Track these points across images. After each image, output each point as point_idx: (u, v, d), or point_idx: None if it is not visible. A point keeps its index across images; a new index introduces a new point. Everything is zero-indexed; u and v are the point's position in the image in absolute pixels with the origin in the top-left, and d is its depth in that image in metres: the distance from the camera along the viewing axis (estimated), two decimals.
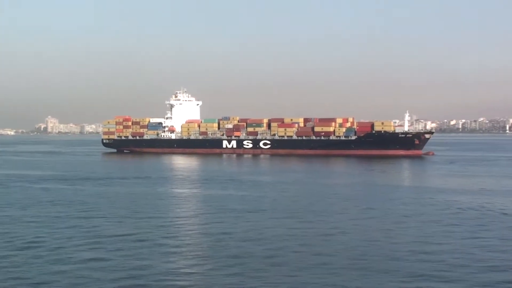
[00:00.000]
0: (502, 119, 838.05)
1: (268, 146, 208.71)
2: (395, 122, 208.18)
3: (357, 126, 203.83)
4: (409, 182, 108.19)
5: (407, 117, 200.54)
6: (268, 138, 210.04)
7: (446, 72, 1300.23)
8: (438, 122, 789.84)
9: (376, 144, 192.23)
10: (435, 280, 38.21)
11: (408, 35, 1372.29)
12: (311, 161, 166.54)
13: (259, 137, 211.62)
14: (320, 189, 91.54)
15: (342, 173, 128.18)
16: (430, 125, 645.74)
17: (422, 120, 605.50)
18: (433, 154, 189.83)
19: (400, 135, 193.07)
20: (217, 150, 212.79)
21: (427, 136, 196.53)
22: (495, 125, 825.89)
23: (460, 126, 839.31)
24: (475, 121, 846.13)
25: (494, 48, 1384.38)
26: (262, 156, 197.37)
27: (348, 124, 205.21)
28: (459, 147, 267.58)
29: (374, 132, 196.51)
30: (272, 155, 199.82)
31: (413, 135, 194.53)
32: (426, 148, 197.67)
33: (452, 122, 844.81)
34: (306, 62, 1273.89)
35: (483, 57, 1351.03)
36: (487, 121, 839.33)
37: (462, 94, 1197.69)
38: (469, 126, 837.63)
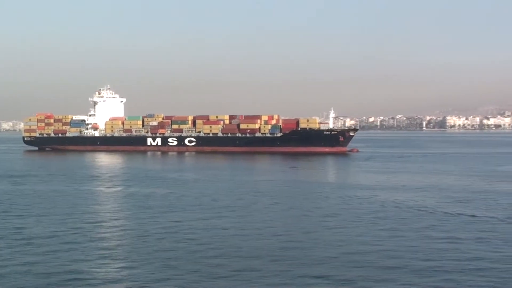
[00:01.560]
0: (419, 116, 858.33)
1: (194, 144, 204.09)
2: (317, 119, 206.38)
3: (282, 123, 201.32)
4: (331, 179, 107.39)
5: (331, 114, 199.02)
6: (193, 135, 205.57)
7: (365, 71, 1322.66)
8: (357, 119, 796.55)
9: (301, 141, 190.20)
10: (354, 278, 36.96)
11: (331, 33, 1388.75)
12: (237, 158, 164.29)
13: (184, 134, 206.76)
14: (242, 186, 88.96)
15: (266, 170, 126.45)
16: (349, 122, 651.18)
17: (341, 117, 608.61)
18: (357, 151, 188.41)
19: (325, 132, 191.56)
20: (142, 148, 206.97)
21: (351, 133, 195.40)
22: (412, 122, 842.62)
23: (379, 123, 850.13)
24: (393, 118, 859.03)
25: (414, 48, 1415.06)
26: (187, 153, 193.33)
27: (274, 121, 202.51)
28: (378, 144, 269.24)
29: (299, 129, 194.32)
30: (198, 152, 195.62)
31: (338, 132, 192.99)
32: (351, 145, 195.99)
33: (371, 119, 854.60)
34: (231, 59, 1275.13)
35: (404, 56, 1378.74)
36: (404, 118, 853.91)
37: (381, 91, 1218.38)
38: (387, 123, 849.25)
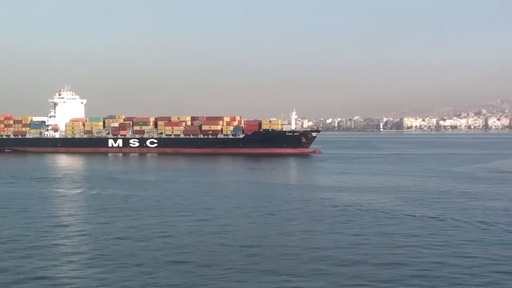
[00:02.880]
0: (376, 117, 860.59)
1: (155, 145, 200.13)
2: (280, 120, 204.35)
3: (244, 124, 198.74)
4: (291, 180, 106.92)
5: (294, 116, 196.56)
6: (155, 136, 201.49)
7: (324, 71, 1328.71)
8: (314, 121, 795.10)
9: (264, 143, 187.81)
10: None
11: (287, 36, 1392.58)
12: (198, 159, 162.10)
13: (145, 135, 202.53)
14: (202, 188, 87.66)
15: (227, 171, 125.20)
16: (307, 123, 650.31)
17: (299, 119, 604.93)
18: (319, 152, 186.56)
19: (287, 134, 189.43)
20: (103, 149, 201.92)
21: (314, 134, 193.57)
22: (370, 123, 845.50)
23: (336, 125, 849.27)
24: (350, 119, 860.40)
25: (371, 48, 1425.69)
26: (149, 155, 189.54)
27: (236, 123, 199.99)
28: (337, 145, 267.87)
29: (261, 130, 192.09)
30: (159, 154, 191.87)
31: (300, 133, 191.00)
32: (313, 146, 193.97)
33: (328, 121, 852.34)
34: (192, 60, 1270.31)
35: (362, 57, 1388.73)
36: (362, 120, 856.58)
37: (339, 93, 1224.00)
38: (344, 125, 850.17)
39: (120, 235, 49.91)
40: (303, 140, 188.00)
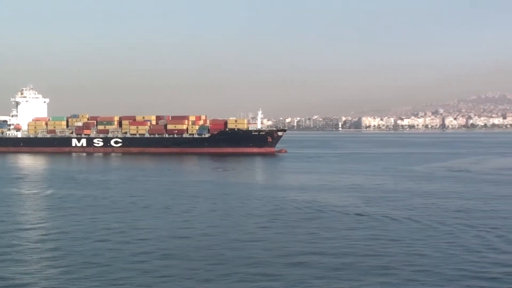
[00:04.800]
0: (335, 117, 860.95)
1: (120, 145, 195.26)
2: (245, 119, 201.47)
3: (210, 123, 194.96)
4: (255, 179, 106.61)
5: (260, 115, 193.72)
6: (119, 136, 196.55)
7: (284, 72, 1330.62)
8: (274, 120, 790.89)
9: (229, 142, 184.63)
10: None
11: (248, 37, 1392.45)
12: (163, 159, 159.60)
13: (110, 135, 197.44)
14: (165, 187, 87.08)
15: (192, 171, 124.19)
16: (266, 123, 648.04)
17: (257, 118, 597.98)
18: (285, 152, 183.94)
19: (253, 133, 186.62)
20: (66, 149, 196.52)
21: (279, 133, 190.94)
22: (329, 122, 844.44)
23: (295, 124, 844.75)
24: (309, 118, 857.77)
25: (331, 49, 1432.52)
26: (113, 154, 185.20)
27: (201, 122, 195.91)
28: (298, 144, 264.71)
29: (227, 129, 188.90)
30: (124, 153, 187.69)
31: (266, 132, 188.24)
32: (279, 146, 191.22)
33: (288, 120, 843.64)
34: (158, 62, 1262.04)
35: (322, 58, 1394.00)
36: (321, 119, 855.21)
37: (298, 92, 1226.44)
38: (303, 124, 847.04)
39: (73, 235, 49.77)
40: (269, 139, 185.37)
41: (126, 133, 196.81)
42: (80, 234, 50.19)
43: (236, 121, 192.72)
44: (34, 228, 53.23)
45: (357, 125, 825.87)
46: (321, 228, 52.49)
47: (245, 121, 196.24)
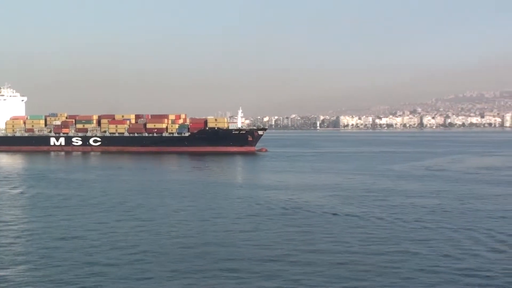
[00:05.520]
0: (313, 116, 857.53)
1: (99, 144, 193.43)
2: (226, 118, 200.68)
3: (190, 122, 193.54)
4: (235, 179, 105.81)
5: (240, 114, 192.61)
6: (98, 135, 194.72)
7: (259, 71, 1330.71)
8: (251, 119, 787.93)
9: (209, 141, 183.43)
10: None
11: (224, 36, 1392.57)
12: (143, 158, 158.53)
13: (89, 134, 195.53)
14: (143, 186, 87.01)
15: (171, 170, 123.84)
16: (244, 121, 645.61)
17: (235, 117, 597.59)
18: (266, 151, 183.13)
19: (233, 132, 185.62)
20: (45, 148, 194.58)
21: (260, 132, 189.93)
22: (307, 121, 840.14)
23: (273, 123, 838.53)
24: (287, 117, 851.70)
25: (309, 49, 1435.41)
26: (92, 153, 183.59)
27: (181, 121, 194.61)
28: (278, 143, 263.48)
29: (207, 128, 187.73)
30: (103, 152, 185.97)
31: (246, 131, 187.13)
32: (259, 145, 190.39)
33: (265, 119, 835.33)
34: (137, 58, 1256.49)
35: (300, 57, 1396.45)
36: (299, 118, 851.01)
37: (276, 91, 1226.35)
38: (281, 123, 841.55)
39: (40, 235, 49.81)
40: (250, 138, 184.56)
41: (105, 132, 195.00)
42: (39, 232, 50.80)
43: (216, 120, 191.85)
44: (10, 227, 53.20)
45: (335, 124, 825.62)
46: (295, 227, 52.81)
47: (226, 120, 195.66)
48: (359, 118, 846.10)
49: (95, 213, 60.55)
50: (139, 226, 53.35)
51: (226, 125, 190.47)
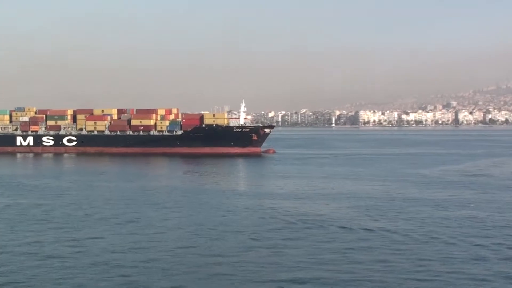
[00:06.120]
0: (327, 111, 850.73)
1: (74, 143, 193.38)
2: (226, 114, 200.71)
3: (183, 118, 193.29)
4: (238, 187, 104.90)
5: (243, 108, 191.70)
6: (73, 133, 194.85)
7: (264, 57, 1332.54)
8: (254, 114, 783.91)
9: (206, 141, 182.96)
10: None
11: (221, 20, 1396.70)
12: (126, 161, 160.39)
13: (62, 132, 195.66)
14: (125, 196, 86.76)
15: (158, 175, 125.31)
16: (246, 117, 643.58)
17: (235, 112, 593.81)
18: (274, 152, 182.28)
19: (235, 130, 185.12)
20: (10, 149, 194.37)
21: (267, 130, 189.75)
22: (320, 117, 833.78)
23: (280, 119, 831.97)
24: (296, 113, 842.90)
25: (320, 30, 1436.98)
26: (66, 155, 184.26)
27: (172, 117, 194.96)
28: (286, 143, 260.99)
29: (204, 125, 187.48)
30: (79, 154, 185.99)
31: (250, 129, 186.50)
32: (265, 145, 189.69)
33: (270, 114, 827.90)
34: (122, 42, 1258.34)
35: (309, 40, 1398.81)
36: (310, 113, 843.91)
37: (281, 83, 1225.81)
38: (290, 119, 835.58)
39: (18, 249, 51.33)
40: (254, 137, 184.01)
41: (81, 129, 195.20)
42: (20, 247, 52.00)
43: (214, 115, 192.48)
44: None
45: (354, 120, 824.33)
46: (314, 246, 52.70)
47: (225, 115, 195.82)
48: (382, 114, 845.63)
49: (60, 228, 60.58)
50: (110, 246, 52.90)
51: (225, 122, 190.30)
